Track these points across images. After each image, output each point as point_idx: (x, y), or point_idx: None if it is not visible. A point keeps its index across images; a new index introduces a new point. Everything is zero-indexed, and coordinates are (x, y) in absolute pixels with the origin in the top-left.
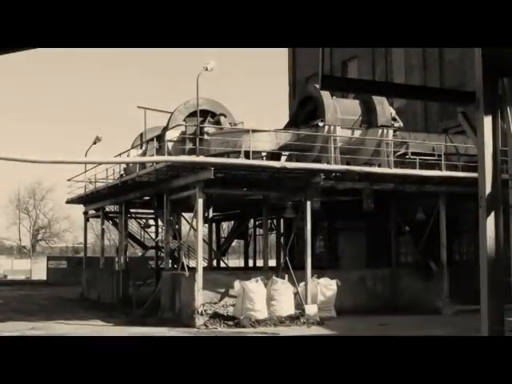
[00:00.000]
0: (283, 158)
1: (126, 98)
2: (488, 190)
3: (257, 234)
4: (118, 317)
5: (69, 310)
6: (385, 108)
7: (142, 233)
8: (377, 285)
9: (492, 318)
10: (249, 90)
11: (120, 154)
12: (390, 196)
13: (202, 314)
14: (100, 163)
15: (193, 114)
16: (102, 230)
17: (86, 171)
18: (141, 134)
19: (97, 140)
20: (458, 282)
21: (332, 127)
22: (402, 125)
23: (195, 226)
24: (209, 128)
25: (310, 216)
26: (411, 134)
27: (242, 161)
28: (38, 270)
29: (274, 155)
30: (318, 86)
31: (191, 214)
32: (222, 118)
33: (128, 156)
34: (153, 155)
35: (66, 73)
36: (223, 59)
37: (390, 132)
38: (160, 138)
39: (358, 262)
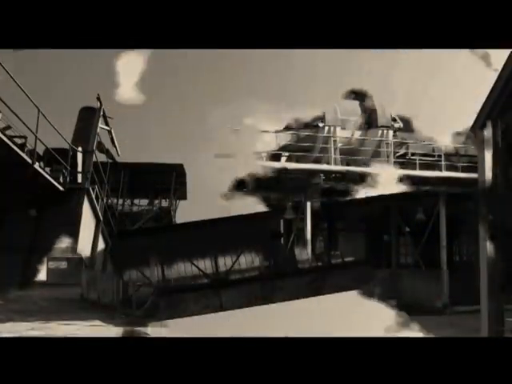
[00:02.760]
0: (283, 159)
1: None
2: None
3: None
4: (118, 317)
5: (68, 310)
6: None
7: None
8: (376, 285)
9: (492, 318)
10: None
11: None
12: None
13: None
14: None
15: None
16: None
17: None
18: None
19: None
20: (458, 283)
21: (332, 128)
22: (401, 125)
23: None
24: None
25: (309, 217)
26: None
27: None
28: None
29: (273, 156)
30: None
31: None
32: None
33: None
34: None
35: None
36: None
37: (390, 133)
38: None
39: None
